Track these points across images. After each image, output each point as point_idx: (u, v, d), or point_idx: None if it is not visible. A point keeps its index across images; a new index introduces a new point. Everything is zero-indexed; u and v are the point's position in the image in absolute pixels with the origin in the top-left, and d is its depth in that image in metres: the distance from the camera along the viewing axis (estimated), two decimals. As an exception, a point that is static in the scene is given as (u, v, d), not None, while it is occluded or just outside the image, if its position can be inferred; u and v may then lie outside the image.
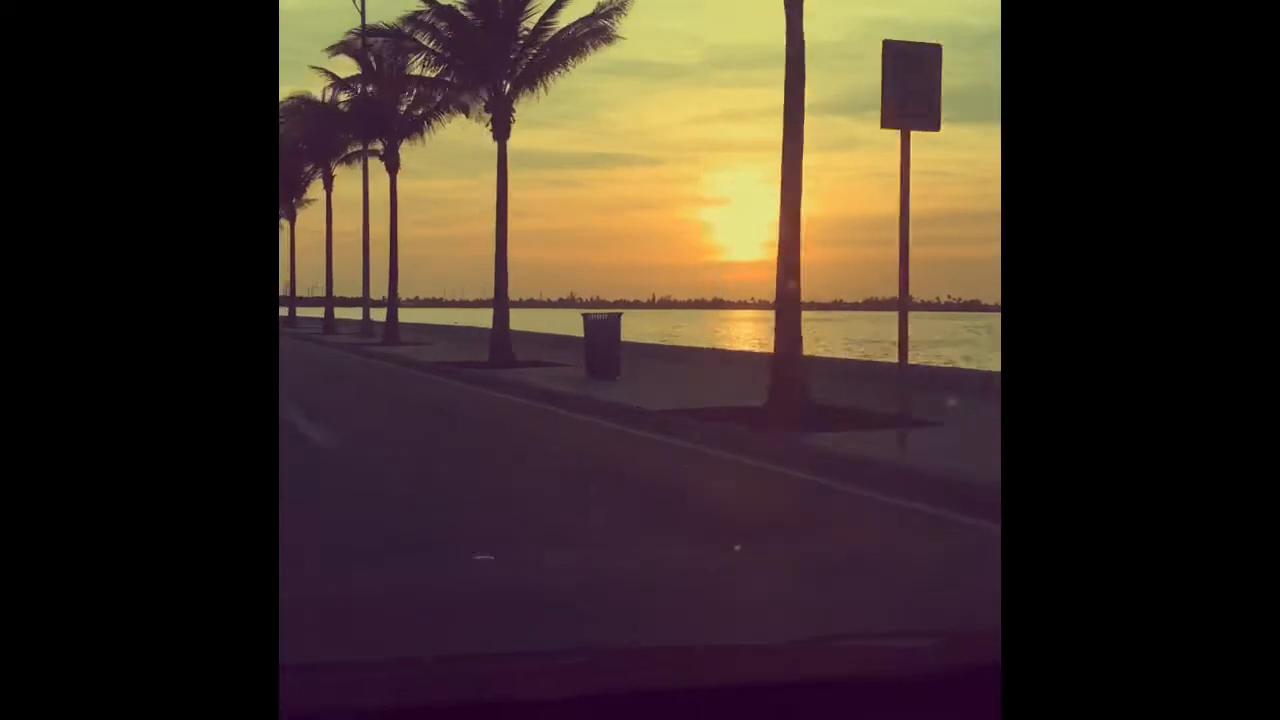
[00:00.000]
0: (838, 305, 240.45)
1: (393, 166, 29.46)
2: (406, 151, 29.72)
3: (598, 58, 20.38)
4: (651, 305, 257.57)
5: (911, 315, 11.45)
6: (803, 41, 11.35)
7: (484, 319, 26.44)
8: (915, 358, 12.73)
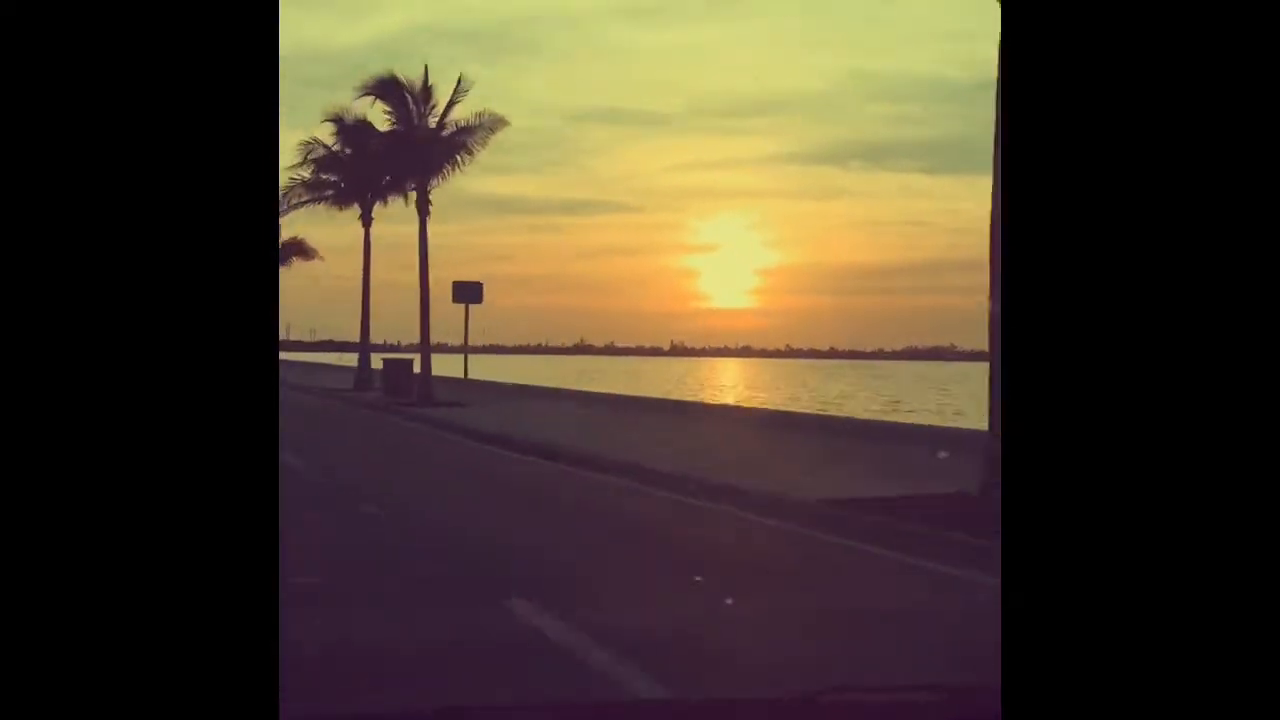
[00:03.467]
0: (879, 354, 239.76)
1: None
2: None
3: (580, 105, 30.73)
4: (673, 353, 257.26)
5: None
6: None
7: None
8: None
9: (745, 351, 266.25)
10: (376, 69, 32.59)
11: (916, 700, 1.81)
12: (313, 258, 58.31)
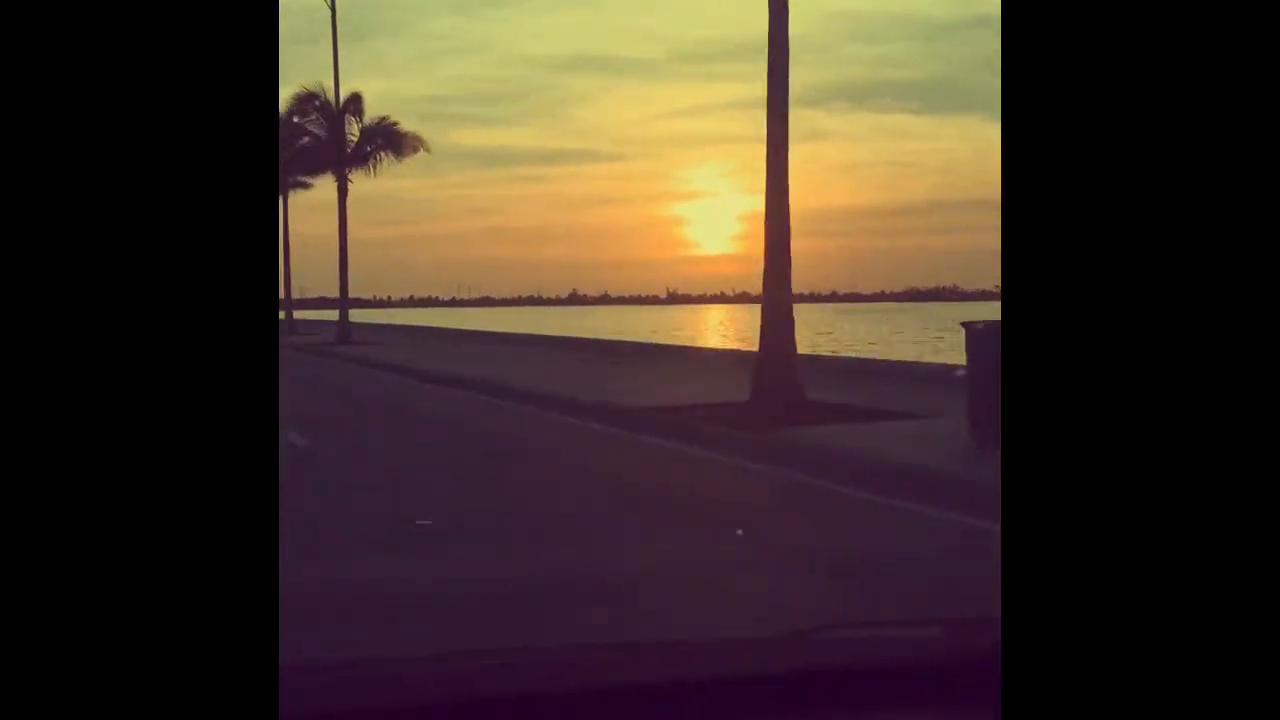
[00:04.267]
0: (881, 296, 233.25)
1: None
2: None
3: (559, 54, 18.13)
4: (670, 301, 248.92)
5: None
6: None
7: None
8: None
9: (744, 298, 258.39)
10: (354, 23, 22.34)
11: (914, 635, 1.80)
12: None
